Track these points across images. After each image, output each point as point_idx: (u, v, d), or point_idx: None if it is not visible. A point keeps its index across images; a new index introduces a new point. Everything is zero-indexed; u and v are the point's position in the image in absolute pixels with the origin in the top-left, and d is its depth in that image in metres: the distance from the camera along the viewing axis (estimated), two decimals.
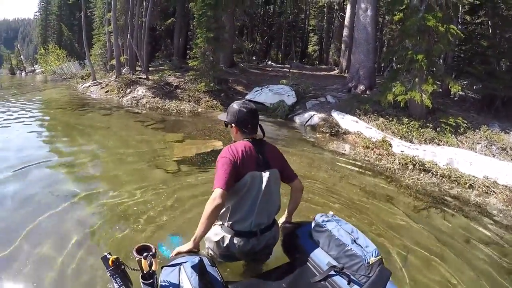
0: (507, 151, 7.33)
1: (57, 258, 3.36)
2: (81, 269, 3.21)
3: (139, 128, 9.41)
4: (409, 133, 8.16)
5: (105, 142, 7.99)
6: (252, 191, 2.39)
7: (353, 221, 4.23)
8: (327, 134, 8.86)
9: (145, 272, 2.01)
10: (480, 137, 7.82)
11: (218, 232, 2.54)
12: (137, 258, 2.04)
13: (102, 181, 5.50)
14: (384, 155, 7.22)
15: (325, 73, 18.64)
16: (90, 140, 8.16)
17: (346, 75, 15.07)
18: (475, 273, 3.51)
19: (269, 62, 28.35)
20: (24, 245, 3.56)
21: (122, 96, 15.07)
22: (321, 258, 2.35)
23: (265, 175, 2.41)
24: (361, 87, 11.91)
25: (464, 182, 6.06)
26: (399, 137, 8.07)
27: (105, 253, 2.10)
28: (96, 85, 18.29)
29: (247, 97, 12.94)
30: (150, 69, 19.55)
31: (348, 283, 2.14)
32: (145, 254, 2.03)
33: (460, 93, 11.05)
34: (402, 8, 9.22)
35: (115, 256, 2.07)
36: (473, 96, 11.42)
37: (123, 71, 19.22)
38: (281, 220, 2.89)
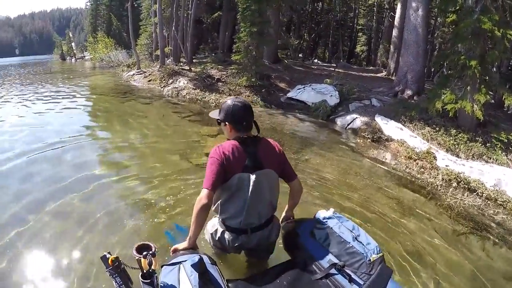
0: None
1: (77, 232, 3.66)
2: (97, 245, 3.45)
3: (176, 119, 9.37)
4: (456, 146, 7.43)
5: (141, 130, 8.36)
6: (240, 193, 2.35)
7: (382, 237, 3.90)
8: (368, 140, 8.27)
9: (144, 271, 2.00)
10: None
11: (214, 224, 2.63)
12: (136, 257, 2.04)
13: (131, 166, 5.78)
14: (427, 168, 6.57)
15: (372, 74, 17.90)
16: (127, 127, 8.62)
17: (393, 78, 14.31)
18: None
19: (316, 60, 27.77)
20: (47, 218, 3.98)
21: (163, 86, 15.28)
22: (322, 255, 2.32)
23: (252, 177, 2.32)
24: (409, 92, 11.13)
25: (510, 208, 5.34)
26: (445, 150, 7.37)
27: (105, 253, 2.09)
28: (140, 74, 18.73)
29: (289, 94, 12.58)
30: (194, 61, 19.71)
31: (349, 281, 2.10)
32: (144, 253, 2.01)
33: None
34: (455, 9, 8.53)
35: (115, 256, 2.07)
36: None
37: (167, 61, 19.45)
38: (282, 215, 2.84)
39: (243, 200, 2.36)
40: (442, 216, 4.80)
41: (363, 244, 2.19)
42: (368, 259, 2.11)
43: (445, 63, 10.56)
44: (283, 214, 2.83)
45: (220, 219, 2.52)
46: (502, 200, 5.48)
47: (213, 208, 2.47)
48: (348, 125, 9.40)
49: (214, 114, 2.58)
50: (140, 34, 27.82)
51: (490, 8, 7.41)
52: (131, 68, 22.22)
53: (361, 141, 8.23)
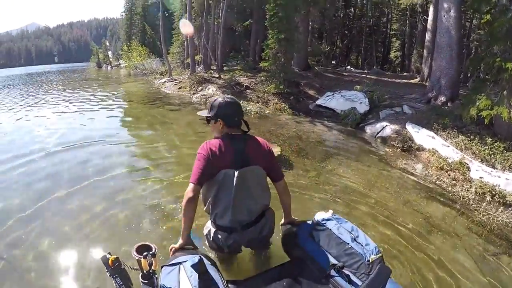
0: None
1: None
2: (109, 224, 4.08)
3: (202, 126, 9.30)
4: (492, 156, 6.86)
5: (166, 136, 8.62)
6: (226, 189, 2.39)
7: (406, 256, 3.66)
8: (398, 149, 7.88)
9: (145, 271, 2.04)
10: None
11: (207, 226, 2.68)
12: (136, 258, 2.07)
13: (152, 166, 6.27)
14: (459, 180, 6.13)
15: (405, 81, 17.41)
16: (153, 133, 9.11)
17: (427, 84, 13.83)
18: None
19: (349, 67, 27.39)
20: (76, 195, 4.91)
21: (193, 93, 15.49)
22: (321, 256, 2.34)
23: (236, 173, 2.36)
24: (442, 98, 10.64)
25: None
26: (479, 160, 6.83)
27: (105, 253, 2.11)
28: (171, 81, 19.08)
29: (318, 101, 12.35)
30: (224, 68, 19.89)
31: (349, 282, 2.13)
32: (145, 253, 2.05)
33: None
34: (488, 8, 8.09)
35: (115, 256, 2.09)
36: None
37: (198, 69, 19.68)
38: (281, 221, 2.89)
39: (227, 197, 2.39)
40: (472, 233, 4.42)
41: (362, 245, 2.21)
42: (367, 259, 2.12)
43: (480, 67, 10.05)
44: (282, 220, 2.88)
45: (212, 219, 2.56)
46: None
47: (204, 208, 2.56)
48: (378, 133, 9.08)
49: (203, 113, 2.61)
50: (173, 43, 28.30)
51: None
52: (163, 75, 22.62)
53: (391, 150, 7.87)
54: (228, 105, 2.46)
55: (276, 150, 6.91)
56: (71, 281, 3.13)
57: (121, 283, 2.09)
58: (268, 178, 2.63)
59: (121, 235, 3.85)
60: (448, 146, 7.36)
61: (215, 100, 2.52)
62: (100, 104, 13.70)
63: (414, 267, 3.49)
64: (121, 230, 3.97)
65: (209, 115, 2.52)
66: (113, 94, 17.11)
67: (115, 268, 2.08)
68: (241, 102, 10.73)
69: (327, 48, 26.80)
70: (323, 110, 11.79)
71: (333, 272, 2.20)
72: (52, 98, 16.28)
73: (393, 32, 32.24)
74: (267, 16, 12.66)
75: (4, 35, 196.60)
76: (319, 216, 2.51)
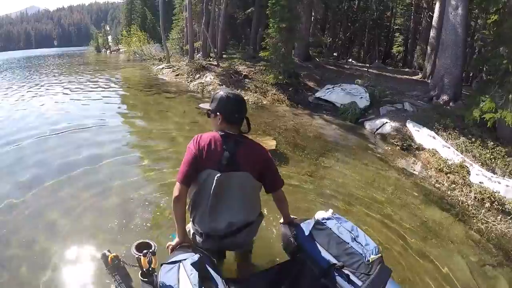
0: None
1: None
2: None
3: (196, 115, 9.08)
4: (493, 160, 6.68)
5: (160, 123, 8.56)
6: (205, 191, 2.22)
7: (399, 263, 3.49)
8: (398, 147, 7.62)
9: (144, 269, 2.00)
10: None
11: (188, 226, 2.50)
12: (136, 256, 2.04)
13: (142, 152, 6.37)
14: (458, 183, 5.88)
15: (407, 77, 17.07)
16: (147, 119, 9.10)
17: (429, 81, 13.49)
18: None
19: (350, 60, 26.99)
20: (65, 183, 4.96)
21: (190, 81, 15.19)
22: (321, 256, 2.30)
23: (217, 176, 2.16)
24: (444, 97, 10.34)
25: None
26: (480, 164, 6.63)
27: (105, 251, 2.10)
28: (169, 68, 18.84)
29: (317, 94, 12.05)
30: (224, 56, 19.54)
31: (348, 281, 2.10)
32: (144, 251, 2.02)
33: None
34: (497, 8, 7.82)
35: (114, 254, 2.08)
36: None
37: (197, 56, 19.36)
38: (280, 220, 2.76)
39: (205, 201, 2.24)
40: (469, 241, 4.21)
41: (361, 245, 2.18)
42: (367, 259, 2.10)
43: (485, 68, 9.76)
44: (282, 219, 2.72)
45: (191, 219, 2.41)
46: None
47: (187, 206, 2.36)
48: (377, 130, 8.82)
49: (205, 105, 2.39)
50: (172, 29, 27.90)
51: None
52: (161, 61, 22.28)
53: (390, 148, 7.62)
54: (230, 99, 2.25)
55: (271, 144, 6.68)
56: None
57: (121, 280, 2.06)
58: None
59: (107, 225, 3.87)
60: (449, 148, 7.13)
61: (217, 92, 2.33)
62: (95, 90, 13.62)
63: (408, 272, 3.36)
64: (107, 218, 3.99)
65: (209, 109, 2.32)
66: (110, 80, 16.86)
67: (115, 266, 2.06)
68: (238, 91, 10.62)
69: (329, 39, 26.40)
70: (322, 103, 11.50)
71: (332, 272, 2.17)
72: (48, 83, 16.17)
73: (396, 27, 31.76)
74: (268, 3, 12.30)
75: (4, 18, 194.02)
76: (319, 215, 2.48)
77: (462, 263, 3.69)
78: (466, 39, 10.83)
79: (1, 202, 4.34)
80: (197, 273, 1.85)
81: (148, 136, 7.45)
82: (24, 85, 15.37)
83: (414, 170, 6.47)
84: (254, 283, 2.32)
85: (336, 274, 2.15)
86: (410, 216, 4.60)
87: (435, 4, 16.14)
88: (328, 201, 4.64)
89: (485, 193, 5.47)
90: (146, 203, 4.33)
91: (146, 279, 2.00)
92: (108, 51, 51.06)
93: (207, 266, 2.01)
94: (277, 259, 2.72)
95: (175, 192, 2.19)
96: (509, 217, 4.91)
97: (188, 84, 14.81)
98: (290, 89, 12.35)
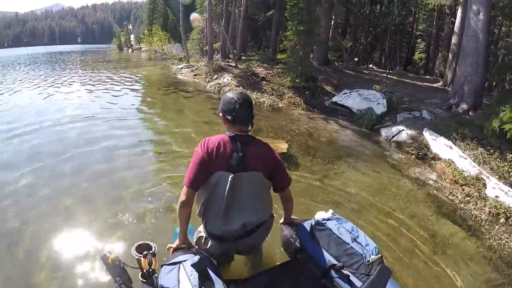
0: None
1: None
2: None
3: (211, 115, 9.14)
4: (511, 174, 6.32)
5: (174, 122, 8.77)
6: (218, 194, 2.21)
7: (403, 276, 3.39)
8: (413, 156, 7.43)
9: (144, 270, 2.01)
10: None
11: (199, 230, 2.49)
12: (136, 257, 2.04)
13: (154, 149, 6.67)
14: (473, 196, 5.62)
15: (427, 84, 16.74)
16: (162, 117, 9.44)
17: (449, 89, 13.23)
18: None
19: (371, 66, 26.69)
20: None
21: (208, 81, 15.26)
22: (321, 256, 2.32)
23: (229, 177, 2.15)
24: (464, 106, 10.04)
25: None
26: (497, 177, 6.31)
27: (105, 252, 2.11)
28: (188, 67, 18.99)
29: (334, 99, 11.91)
30: (243, 58, 19.52)
31: (348, 282, 2.12)
32: (144, 252, 2.03)
33: None
34: None
35: (115, 255, 2.08)
36: None
37: (216, 57, 19.43)
38: (280, 220, 2.80)
39: (219, 203, 2.23)
40: (480, 258, 4.01)
41: (362, 245, 2.19)
42: (367, 260, 2.10)
43: (507, 76, 9.47)
44: (282, 219, 2.78)
45: (204, 224, 2.39)
46: None
47: (197, 212, 2.38)
48: (393, 137, 8.64)
49: None
50: (193, 29, 28.10)
51: None
52: (182, 61, 22.46)
53: (404, 156, 7.44)
54: (235, 102, 2.23)
55: (283, 147, 6.61)
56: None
57: (121, 282, 2.05)
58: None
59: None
60: (466, 158, 6.89)
61: (225, 95, 2.32)
62: (115, 86, 14.06)
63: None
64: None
65: (220, 111, 2.32)
66: (130, 77, 17.27)
67: (115, 267, 2.06)
68: (254, 93, 10.72)
69: (349, 43, 26.14)
70: (338, 108, 11.36)
71: (332, 272, 2.19)
72: (71, 78, 17.03)
73: (419, 33, 31.27)
74: (287, 6, 12.23)
75: (29, 14, 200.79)
76: (319, 215, 2.48)
77: (470, 280, 3.54)
78: (487, 46, 10.46)
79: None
80: (197, 274, 1.86)
81: (162, 130, 8.00)
82: (48, 78, 16.36)
83: (428, 180, 6.26)
84: (254, 284, 2.32)
85: (336, 274, 2.18)
86: (420, 227, 4.45)
87: (457, 10, 15.82)
88: (335, 208, 4.53)
89: (500, 207, 5.22)
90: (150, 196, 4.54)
91: (146, 280, 2.01)
92: (130, 50, 51.84)
93: (207, 267, 2.01)
94: (277, 260, 2.74)
95: (182, 196, 2.20)
96: None
97: (206, 84, 14.88)
98: (307, 92, 12.22)
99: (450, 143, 7.50)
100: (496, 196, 5.60)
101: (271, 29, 23.50)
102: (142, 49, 46.52)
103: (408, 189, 5.71)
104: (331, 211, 2.51)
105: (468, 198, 5.60)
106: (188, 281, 1.83)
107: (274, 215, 2.57)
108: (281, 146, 6.59)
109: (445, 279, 3.49)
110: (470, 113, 9.78)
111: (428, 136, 8.03)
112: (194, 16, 19.77)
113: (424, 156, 7.35)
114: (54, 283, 3.02)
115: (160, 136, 7.60)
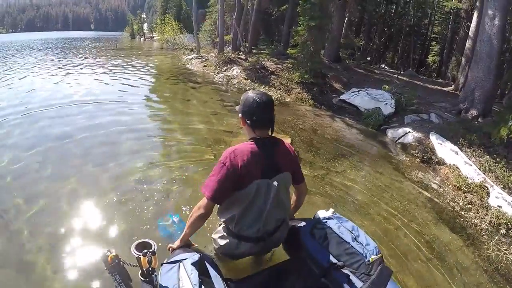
0: None
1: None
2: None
3: (216, 107, 9.13)
4: None
5: (178, 114, 8.54)
6: (258, 201, 2.18)
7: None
8: (417, 159, 7.28)
9: (144, 269, 2.03)
10: None
11: (224, 236, 2.42)
12: (136, 256, 2.06)
13: (158, 135, 6.68)
14: (475, 205, 5.48)
15: (438, 87, 16.54)
16: (166, 106, 9.39)
17: (460, 93, 13.02)
18: None
19: (383, 66, 26.45)
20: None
21: (217, 73, 15.20)
22: (321, 255, 2.30)
23: (275, 184, 2.17)
24: (473, 112, 9.87)
25: None
26: (501, 186, 6.13)
27: (104, 251, 2.11)
28: (198, 58, 19.01)
29: (342, 96, 11.78)
30: (254, 51, 19.48)
31: (348, 282, 2.11)
32: (144, 251, 2.05)
33: None
34: None
35: (114, 254, 2.08)
36: None
37: (227, 49, 19.40)
38: None
39: (261, 207, 2.21)
40: (476, 268, 3.89)
41: (362, 245, 2.19)
42: (367, 259, 2.11)
43: None
44: None
45: (235, 230, 2.31)
46: None
47: (223, 219, 2.36)
48: (399, 139, 8.51)
49: (238, 108, 2.34)
50: (206, 20, 28.05)
51: None
52: (193, 52, 22.44)
53: (408, 159, 7.30)
54: (257, 104, 2.16)
55: (287, 142, 6.50)
56: None
57: (120, 280, 2.09)
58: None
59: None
60: (471, 165, 6.73)
61: (246, 96, 2.24)
62: (124, 74, 14.17)
63: None
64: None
65: (239, 112, 2.28)
66: (140, 66, 17.28)
67: (114, 266, 2.08)
68: (262, 86, 10.59)
69: (361, 42, 25.89)
70: (346, 106, 11.24)
71: (333, 272, 2.18)
72: (82, 64, 17.13)
73: (433, 36, 30.85)
74: (300, 1, 12.11)
75: (43, 0, 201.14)
76: (320, 214, 2.49)
77: None
78: (501, 52, 10.19)
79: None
80: (197, 273, 1.87)
81: (167, 119, 8.02)
82: (56, 63, 16.62)
83: (431, 185, 6.12)
84: (254, 282, 2.31)
85: (336, 274, 2.16)
86: (416, 233, 4.34)
87: (473, 13, 15.55)
88: (335, 206, 4.47)
89: (502, 218, 5.08)
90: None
91: (146, 279, 2.03)
92: (142, 38, 52.05)
93: (207, 265, 2.01)
94: (277, 258, 2.69)
95: (202, 209, 2.17)
96: None
97: (215, 76, 14.82)
98: (315, 89, 12.12)
99: (456, 148, 7.36)
100: (499, 206, 5.45)
101: (284, 23, 23.44)
102: (154, 38, 46.67)
103: (409, 192, 5.60)
104: (331, 210, 2.51)
105: (470, 206, 5.46)
106: (188, 280, 1.83)
107: None
108: (285, 141, 6.47)
109: (444, 283, 3.44)
110: (480, 119, 9.61)
111: (435, 140, 7.89)
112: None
113: (429, 160, 7.21)
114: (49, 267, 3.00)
115: (164, 124, 7.61)
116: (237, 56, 17.08)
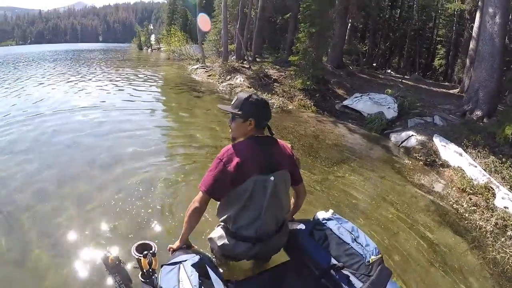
0: None
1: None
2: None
3: (218, 116, 9.09)
4: None
5: (180, 121, 8.86)
6: (256, 197, 2.18)
7: None
8: (420, 162, 7.19)
9: (144, 270, 2.04)
10: None
11: (222, 236, 2.38)
12: (136, 257, 2.07)
13: (158, 148, 6.48)
14: (480, 206, 5.33)
15: (444, 90, 16.43)
16: (170, 114, 9.70)
17: (464, 95, 12.90)
18: None
19: (389, 71, 26.35)
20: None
21: (221, 82, 15.34)
22: (321, 256, 2.30)
23: (271, 179, 2.16)
24: (478, 113, 9.75)
25: None
26: (508, 187, 5.97)
27: (105, 252, 2.16)
28: (203, 68, 19.18)
29: (345, 102, 11.76)
30: (257, 60, 19.58)
31: (348, 282, 2.11)
32: (145, 252, 2.06)
33: None
34: None
35: (115, 255, 2.14)
36: None
37: (231, 59, 19.53)
38: None
39: (259, 205, 2.20)
40: (481, 272, 3.78)
41: (362, 246, 2.19)
42: (367, 260, 2.11)
43: None
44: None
45: (234, 229, 2.30)
46: None
47: (221, 218, 2.35)
48: (402, 142, 8.44)
49: (226, 107, 2.33)
50: (211, 30, 28.30)
51: None
52: (198, 62, 22.63)
53: (411, 162, 7.22)
54: (261, 104, 2.24)
55: (285, 143, 6.52)
56: None
57: (121, 281, 2.12)
58: None
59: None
60: (476, 166, 6.63)
61: (248, 96, 2.24)
62: (131, 83, 14.60)
63: None
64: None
65: (232, 110, 2.27)
66: (146, 76, 17.57)
67: (115, 267, 2.13)
68: (265, 94, 10.66)
69: (365, 47, 25.85)
70: (349, 112, 11.23)
71: (332, 272, 2.18)
72: (90, 74, 17.71)
73: (439, 39, 30.70)
74: (300, 8, 12.17)
75: (52, 12, 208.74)
76: (320, 215, 2.51)
77: None
78: (504, 51, 10.06)
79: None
80: (198, 274, 1.87)
81: (170, 126, 8.35)
82: (68, 75, 17.13)
83: (434, 187, 6.04)
84: (254, 284, 2.31)
85: (336, 274, 2.16)
86: (419, 237, 4.27)
87: (476, 14, 15.45)
88: (335, 208, 4.39)
89: (509, 219, 4.94)
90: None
91: (146, 280, 2.04)
92: (149, 49, 52.56)
93: (207, 267, 2.00)
94: (277, 259, 2.67)
95: (197, 203, 2.18)
96: None
97: (219, 85, 14.97)
98: (317, 95, 12.13)
99: (460, 150, 7.27)
100: (505, 207, 5.32)
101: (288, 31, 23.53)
102: (161, 49, 47.12)
103: (412, 195, 5.54)
104: (331, 211, 2.53)
105: (474, 208, 5.34)
106: (188, 281, 1.83)
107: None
108: None
109: (447, 287, 3.39)
110: (484, 120, 9.49)
111: (438, 142, 7.82)
112: (201, 16, 20.06)
113: (433, 162, 7.13)
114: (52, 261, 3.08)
115: (168, 131, 7.84)
116: (240, 65, 17.20)
